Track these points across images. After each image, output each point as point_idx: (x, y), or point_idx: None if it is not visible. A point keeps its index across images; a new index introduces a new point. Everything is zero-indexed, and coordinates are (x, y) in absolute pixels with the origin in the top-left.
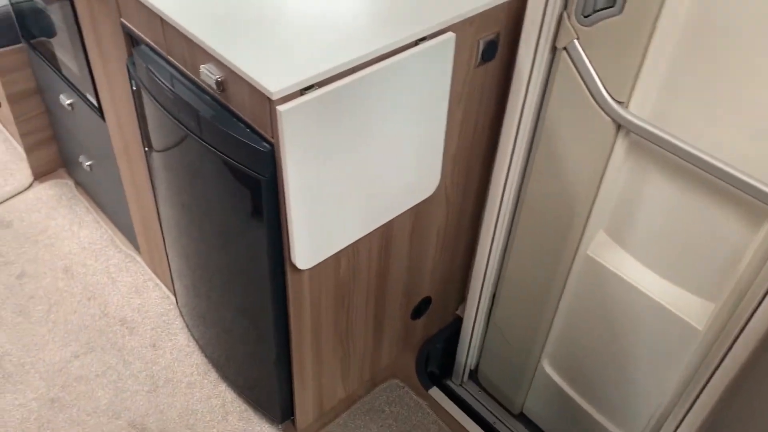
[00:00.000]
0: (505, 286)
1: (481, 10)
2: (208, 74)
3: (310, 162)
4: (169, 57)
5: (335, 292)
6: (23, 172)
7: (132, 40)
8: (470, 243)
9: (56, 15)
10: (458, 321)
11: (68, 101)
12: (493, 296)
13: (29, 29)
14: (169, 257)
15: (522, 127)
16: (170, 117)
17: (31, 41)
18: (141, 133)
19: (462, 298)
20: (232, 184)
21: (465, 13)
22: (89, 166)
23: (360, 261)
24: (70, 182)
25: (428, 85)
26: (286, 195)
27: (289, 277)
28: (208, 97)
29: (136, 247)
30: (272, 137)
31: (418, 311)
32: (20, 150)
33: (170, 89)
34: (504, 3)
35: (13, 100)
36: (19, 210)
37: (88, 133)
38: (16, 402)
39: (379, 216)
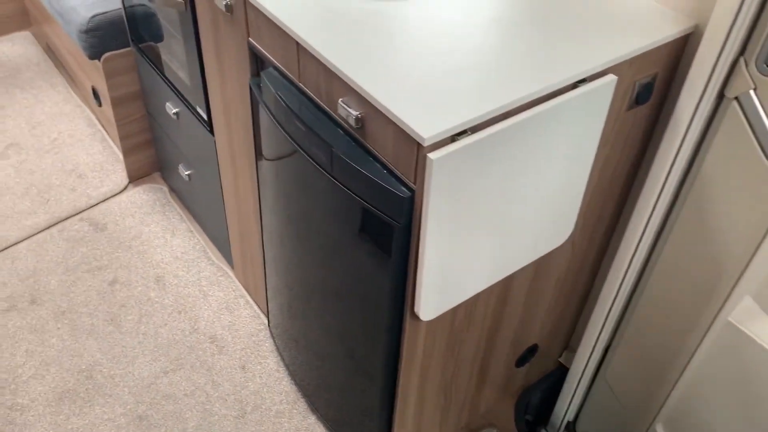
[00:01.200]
0: (624, 342)
1: (644, 51)
2: (347, 109)
3: (452, 211)
4: (301, 84)
5: (448, 340)
6: (119, 174)
7: (257, 60)
8: (587, 290)
9: (173, 24)
10: (560, 369)
11: (174, 110)
12: (606, 349)
13: (139, 33)
14: (267, 274)
15: (671, 177)
16: (297, 146)
17: (140, 45)
18: (255, 154)
19: (566, 345)
20: (359, 225)
21: (628, 53)
22: (188, 175)
23: (477, 310)
24: (165, 188)
25: (581, 130)
26: (422, 244)
27: (408, 325)
28: (342, 132)
29: (229, 261)
30: (415, 183)
31: (523, 359)
32: (117, 152)
33: (300, 120)
34: (667, 43)
35: (116, 102)
36: (113, 213)
37: (191, 143)
38: (105, 416)
39: (508, 266)
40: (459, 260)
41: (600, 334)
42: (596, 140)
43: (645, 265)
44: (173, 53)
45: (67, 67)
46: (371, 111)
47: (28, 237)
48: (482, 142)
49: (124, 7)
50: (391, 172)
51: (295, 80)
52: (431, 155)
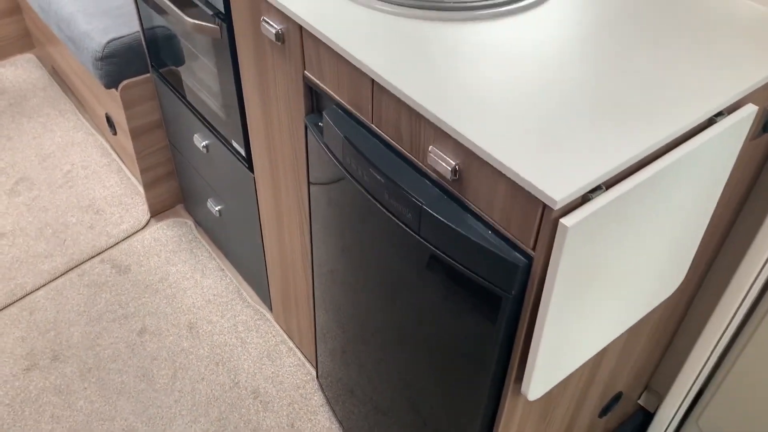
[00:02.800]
0: (723, 386)
1: None
2: (439, 159)
3: (578, 279)
4: (375, 127)
5: (543, 409)
6: (139, 208)
7: (314, 95)
8: (677, 328)
9: (204, 52)
10: (642, 412)
11: (204, 143)
12: (699, 392)
13: (160, 58)
14: (316, 315)
15: None
16: (371, 198)
17: (160, 70)
18: (309, 196)
19: (646, 386)
20: (454, 291)
21: (765, 77)
22: (219, 210)
23: (574, 374)
24: (190, 221)
25: (714, 169)
26: (540, 319)
27: (507, 402)
28: (431, 185)
29: (267, 303)
30: (534, 249)
31: (607, 408)
32: (136, 183)
33: (377, 169)
34: None
35: (135, 133)
36: (137, 253)
37: (224, 178)
38: None
39: (623, 326)
40: (578, 331)
41: (697, 378)
42: (725, 178)
43: (755, 305)
44: (202, 81)
45: (76, 92)
46: (472, 161)
47: (46, 284)
48: (618, 200)
49: (143, 30)
50: (499, 234)
51: (367, 122)
52: (565, 221)
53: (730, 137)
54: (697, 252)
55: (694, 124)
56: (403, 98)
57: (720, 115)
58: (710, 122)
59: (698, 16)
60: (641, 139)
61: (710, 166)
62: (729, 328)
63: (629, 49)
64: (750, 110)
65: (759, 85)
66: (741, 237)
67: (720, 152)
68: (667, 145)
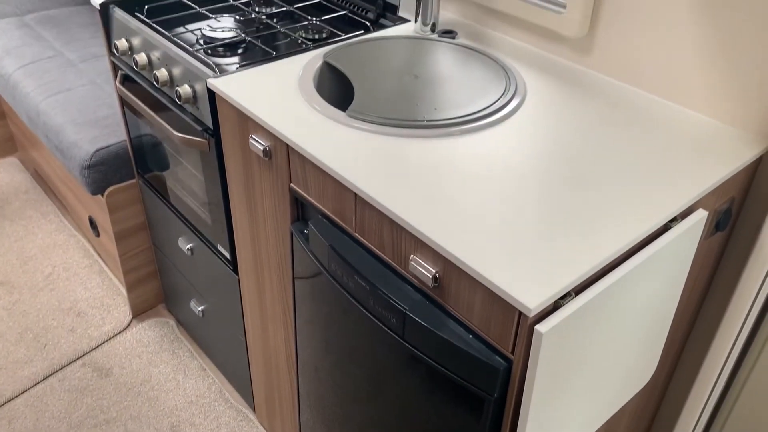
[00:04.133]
0: None
1: (725, 179)
2: (421, 269)
3: (554, 379)
4: (359, 236)
5: None
6: (121, 309)
7: (299, 204)
8: (653, 419)
9: (191, 162)
10: None
11: (188, 245)
12: None
13: (146, 164)
14: (302, 414)
15: (755, 306)
16: (357, 303)
17: (146, 176)
18: (294, 299)
19: None
20: (438, 392)
21: (713, 184)
22: (201, 311)
23: None
24: (172, 321)
25: (674, 269)
26: (522, 418)
27: None
28: (414, 290)
29: (249, 403)
30: (512, 353)
31: None
32: (118, 284)
33: (362, 276)
34: (744, 167)
35: (120, 237)
36: (119, 355)
37: (207, 279)
38: None
39: (597, 421)
40: (558, 428)
41: None
42: (685, 274)
43: (726, 388)
44: (188, 187)
45: (59, 195)
46: (452, 270)
47: (26, 390)
48: (587, 305)
49: (130, 139)
50: (479, 338)
51: (351, 231)
52: (540, 327)
53: (685, 240)
54: (666, 343)
55: (651, 231)
56: (384, 211)
57: (674, 220)
58: (666, 228)
59: (651, 128)
60: (605, 247)
61: (670, 266)
62: (704, 414)
63: (591, 161)
64: (701, 215)
65: (707, 191)
66: (706, 326)
67: (677, 253)
68: (628, 250)
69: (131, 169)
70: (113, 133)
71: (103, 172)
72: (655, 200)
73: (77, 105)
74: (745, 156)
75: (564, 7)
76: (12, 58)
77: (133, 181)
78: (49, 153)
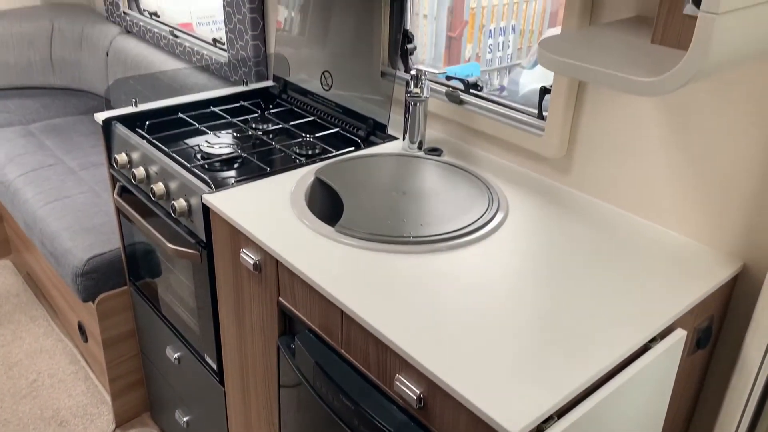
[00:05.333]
0: None
1: (703, 298)
2: (406, 389)
3: None
4: (345, 353)
5: None
6: (104, 418)
7: (287, 318)
8: None
9: (182, 271)
10: None
11: (176, 354)
12: None
13: (138, 271)
14: None
15: (743, 421)
16: (341, 423)
17: (138, 283)
18: (279, 412)
19: None
20: None
21: (691, 303)
22: (186, 422)
23: None
24: (155, 431)
25: (655, 387)
26: None
27: None
28: (399, 410)
29: None
30: None
31: None
32: (103, 392)
33: (347, 395)
34: (721, 286)
35: (108, 344)
36: None
37: (194, 390)
38: None
39: None
40: None
41: None
42: (668, 394)
43: None
44: (178, 296)
45: (50, 298)
46: (436, 391)
47: None
48: (570, 428)
49: (124, 247)
50: None
51: (337, 347)
52: None
53: (666, 359)
54: None
55: (631, 352)
56: (369, 329)
57: (654, 340)
58: (645, 348)
59: (629, 246)
60: (586, 369)
61: (653, 385)
62: None
63: (571, 279)
64: (680, 335)
65: (685, 311)
66: None
67: (659, 372)
68: (610, 371)
69: (123, 276)
70: (108, 241)
71: (95, 279)
72: (634, 321)
73: (74, 212)
74: (721, 275)
75: (542, 130)
76: (14, 166)
77: (125, 288)
78: (42, 257)
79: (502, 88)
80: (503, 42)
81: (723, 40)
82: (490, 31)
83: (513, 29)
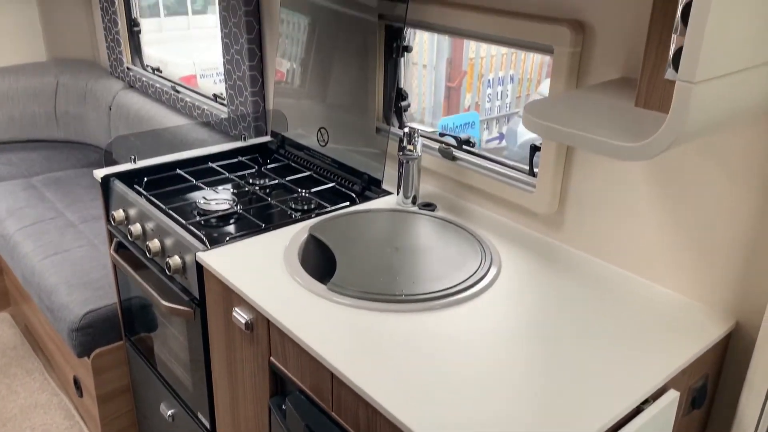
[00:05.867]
0: None
1: (696, 357)
2: None
3: None
4: (335, 415)
5: None
6: None
7: (279, 379)
8: None
9: (176, 327)
10: None
11: (170, 411)
12: None
13: (133, 327)
14: None
15: None
16: None
17: (133, 338)
18: None
19: None
20: None
21: (683, 363)
22: None
23: None
24: None
25: None
26: None
27: None
28: None
29: None
30: None
31: None
32: None
33: None
34: (715, 344)
35: (103, 399)
36: None
37: None
38: None
39: None
40: None
41: None
42: None
43: None
44: (172, 352)
45: (46, 352)
46: None
47: None
48: None
49: (120, 301)
50: None
51: (328, 410)
52: None
53: (660, 421)
54: None
55: (623, 415)
56: (359, 392)
57: (646, 402)
58: (638, 410)
59: (621, 304)
60: None
61: None
62: None
63: (562, 340)
64: (672, 396)
65: (678, 371)
66: None
67: None
68: None
69: (119, 331)
70: (105, 296)
71: (91, 334)
72: (626, 382)
73: (72, 266)
74: (714, 333)
75: (534, 187)
76: (14, 219)
77: (120, 343)
78: (39, 311)
79: (501, 136)
80: (502, 91)
81: (701, 108)
82: (489, 80)
83: (511, 79)
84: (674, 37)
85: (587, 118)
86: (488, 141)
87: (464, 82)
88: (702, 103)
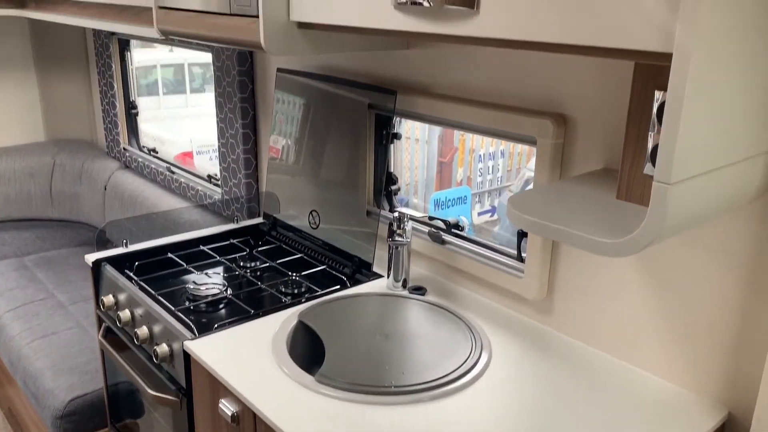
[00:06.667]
0: None
1: None
2: None
3: None
4: None
5: None
6: None
7: None
8: None
9: (163, 417)
10: None
11: None
12: None
13: (119, 413)
14: None
15: None
16: None
17: (118, 425)
18: None
19: None
20: None
21: None
22: None
23: None
24: None
25: None
26: None
27: None
28: None
29: None
30: None
31: None
32: None
33: None
34: None
35: None
36: None
37: None
38: None
39: None
40: None
41: None
42: None
43: None
44: None
45: None
46: None
47: None
48: None
49: (106, 387)
50: None
51: None
52: None
53: None
54: None
55: None
56: None
57: None
58: None
59: (612, 392)
60: None
61: None
62: None
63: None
64: None
65: None
66: None
67: None
68: None
69: (104, 418)
70: (91, 381)
71: (75, 422)
72: None
73: (59, 349)
74: (705, 426)
75: (522, 272)
76: (4, 301)
77: (105, 429)
78: (24, 395)
79: (493, 209)
80: (493, 165)
81: (679, 207)
82: (480, 155)
83: (501, 153)
84: (651, 134)
85: (571, 212)
86: (480, 214)
87: (456, 157)
88: (680, 202)
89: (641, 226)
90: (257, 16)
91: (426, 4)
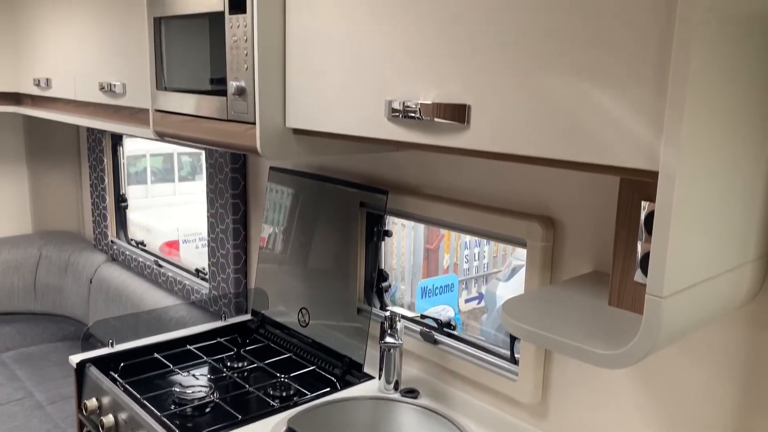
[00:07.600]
0: None
1: None
2: None
3: None
4: None
5: None
6: None
7: None
8: None
9: None
10: None
11: None
12: None
13: None
14: None
15: None
16: None
17: None
18: None
19: None
20: None
21: None
22: None
23: None
24: None
25: None
26: None
27: None
28: None
29: None
30: None
31: None
32: None
33: None
34: None
35: None
36: None
37: None
38: None
39: None
40: None
41: None
42: None
43: None
44: None
45: None
46: None
47: None
48: None
49: None
50: None
51: None
52: None
53: None
54: None
55: None
56: None
57: None
58: None
59: None
60: None
61: None
62: None
63: None
64: None
65: None
66: None
67: None
68: None
69: None
70: None
71: None
72: None
73: None
74: None
75: (516, 374)
76: None
77: None
78: None
79: (480, 296)
80: (479, 252)
81: (673, 318)
82: (466, 242)
83: (487, 241)
84: (639, 243)
85: (565, 320)
86: (467, 301)
87: (442, 244)
88: (673, 313)
89: (636, 338)
90: (254, 123)
91: (419, 117)
